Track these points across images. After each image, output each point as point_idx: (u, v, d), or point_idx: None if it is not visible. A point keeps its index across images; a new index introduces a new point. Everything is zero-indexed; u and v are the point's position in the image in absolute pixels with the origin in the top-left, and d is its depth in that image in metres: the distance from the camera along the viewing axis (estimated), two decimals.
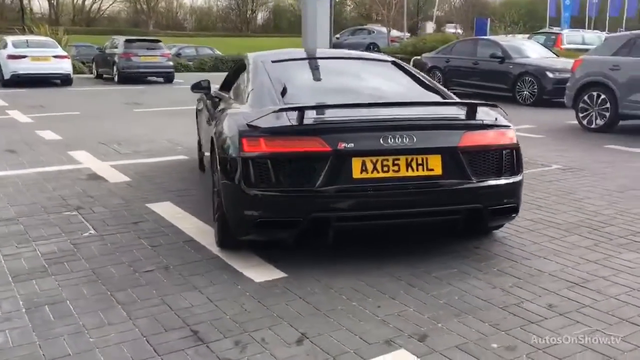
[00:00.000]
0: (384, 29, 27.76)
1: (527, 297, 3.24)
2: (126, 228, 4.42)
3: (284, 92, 4.00)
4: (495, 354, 2.65)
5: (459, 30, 42.12)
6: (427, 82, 4.51)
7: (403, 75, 4.62)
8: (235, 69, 5.62)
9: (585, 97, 9.42)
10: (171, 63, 19.61)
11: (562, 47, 17.80)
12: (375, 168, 3.45)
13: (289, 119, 3.52)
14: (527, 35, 19.73)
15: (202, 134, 5.76)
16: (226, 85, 5.65)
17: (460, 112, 3.78)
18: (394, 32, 27.90)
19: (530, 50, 14.01)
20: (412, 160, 3.49)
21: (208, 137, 4.85)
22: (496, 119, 3.76)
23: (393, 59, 5.02)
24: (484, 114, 3.79)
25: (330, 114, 3.59)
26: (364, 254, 3.82)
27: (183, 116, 11.14)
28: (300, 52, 5.45)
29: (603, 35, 20.47)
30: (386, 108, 3.72)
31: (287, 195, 3.42)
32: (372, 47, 26.12)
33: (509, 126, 3.80)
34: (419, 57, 16.58)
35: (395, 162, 3.47)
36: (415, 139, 3.49)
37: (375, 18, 50.28)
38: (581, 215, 4.77)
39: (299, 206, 3.43)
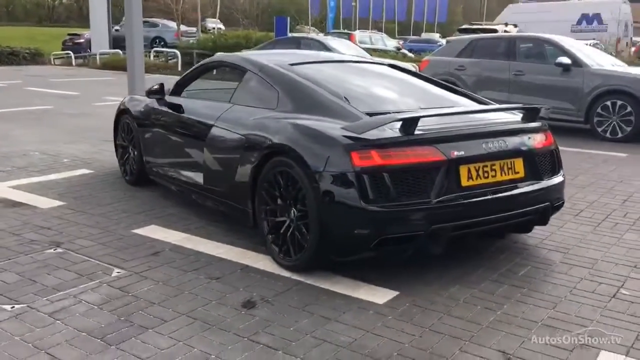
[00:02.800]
0: (170, 23, 26.74)
1: None
2: (153, 261, 3.79)
3: (346, 99, 3.80)
4: None
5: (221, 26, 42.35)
6: (455, 87, 4.69)
7: (421, 79, 4.72)
8: (199, 71, 5.13)
9: None
10: None
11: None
12: (478, 174, 3.51)
13: (391, 129, 3.39)
14: (323, 34, 20.78)
15: (155, 143, 5.15)
16: (179, 91, 5.15)
17: (516, 116, 4.01)
18: (182, 27, 27.06)
19: (349, 50, 14.83)
20: (504, 164, 3.63)
21: (193, 150, 4.52)
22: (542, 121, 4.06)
23: (389, 62, 5.06)
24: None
25: (433, 122, 3.53)
26: (426, 259, 3.80)
27: (4, 122, 9.62)
28: (303, 55, 5.15)
29: (384, 35, 22.52)
30: (472, 115, 3.79)
31: (408, 209, 3.30)
32: (157, 41, 25.03)
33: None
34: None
35: (493, 167, 3.58)
36: (507, 143, 3.63)
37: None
38: None
39: (420, 219, 3.32)
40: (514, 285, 3.55)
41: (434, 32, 47.41)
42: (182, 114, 4.82)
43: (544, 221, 3.99)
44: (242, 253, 3.96)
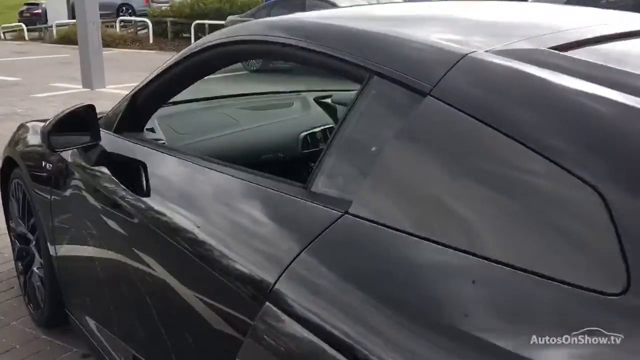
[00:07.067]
0: None
1: None
2: None
3: None
4: None
5: None
6: None
7: None
8: (191, 67, 1.87)
9: None
10: None
11: None
12: None
13: None
14: None
15: (81, 258, 1.94)
16: (141, 120, 1.91)
17: None
18: None
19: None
20: None
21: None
22: None
23: None
24: None
25: None
26: None
27: None
28: (507, 23, 1.87)
29: None
30: None
31: None
32: (125, 9, 21.41)
33: None
34: (233, 18, 13.35)
35: None
36: None
37: None
38: None
39: None
40: None
41: None
42: (154, 207, 1.58)
43: None
44: None
